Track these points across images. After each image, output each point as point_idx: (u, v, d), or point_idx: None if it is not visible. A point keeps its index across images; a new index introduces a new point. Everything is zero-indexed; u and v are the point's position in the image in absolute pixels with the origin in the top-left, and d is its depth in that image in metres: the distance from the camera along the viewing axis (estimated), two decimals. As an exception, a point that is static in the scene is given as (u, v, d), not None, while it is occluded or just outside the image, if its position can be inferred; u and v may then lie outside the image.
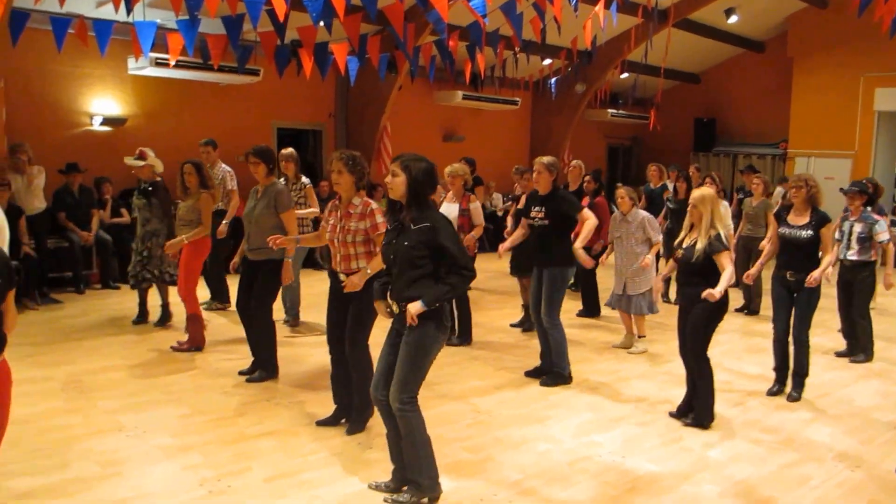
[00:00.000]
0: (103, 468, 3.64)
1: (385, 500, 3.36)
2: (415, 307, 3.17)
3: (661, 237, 6.17)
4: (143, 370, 5.27)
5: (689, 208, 4.45)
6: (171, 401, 4.65)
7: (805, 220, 4.92)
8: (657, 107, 11.57)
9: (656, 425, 4.48)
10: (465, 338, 6.18)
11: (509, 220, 7.34)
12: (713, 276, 4.25)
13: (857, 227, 5.92)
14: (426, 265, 3.22)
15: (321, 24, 5.39)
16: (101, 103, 8.98)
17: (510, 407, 4.73)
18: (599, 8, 6.27)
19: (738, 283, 6.42)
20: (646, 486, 3.65)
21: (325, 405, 4.52)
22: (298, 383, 5.07)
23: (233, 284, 7.36)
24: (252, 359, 5.19)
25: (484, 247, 9.73)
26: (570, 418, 4.56)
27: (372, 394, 3.42)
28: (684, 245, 4.44)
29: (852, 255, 5.94)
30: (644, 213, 6.15)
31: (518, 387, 5.14)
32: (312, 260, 9.50)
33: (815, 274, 4.82)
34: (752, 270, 5.45)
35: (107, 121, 8.95)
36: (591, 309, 7.50)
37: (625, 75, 12.12)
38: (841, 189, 6.26)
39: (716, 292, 4.15)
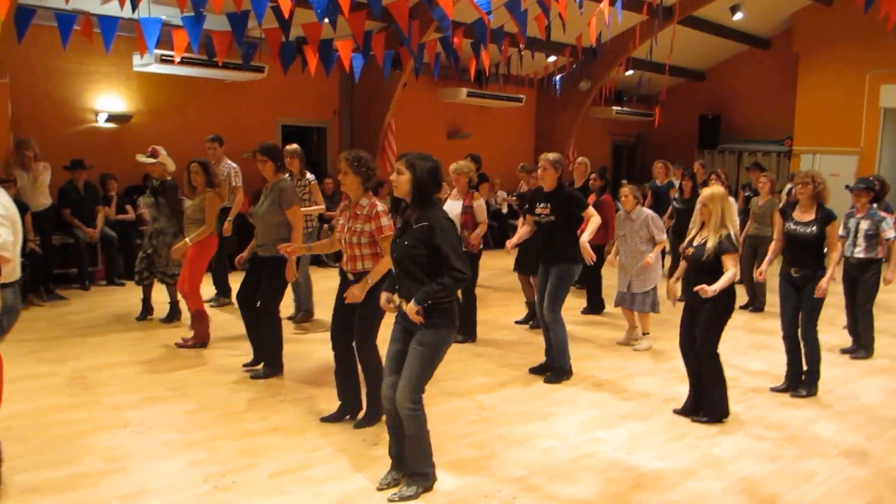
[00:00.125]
0: (108, 464, 3.66)
1: (392, 497, 3.36)
2: (411, 308, 3.21)
3: (665, 236, 6.16)
4: (148, 366, 5.28)
5: (699, 206, 4.44)
6: (176, 397, 4.66)
7: (810, 216, 4.92)
8: (662, 104, 11.54)
9: (661, 422, 4.48)
10: (469, 335, 6.18)
11: (520, 222, 7.28)
12: (721, 275, 4.25)
13: (864, 225, 5.90)
14: (427, 264, 3.24)
15: (326, 20, 5.39)
16: (107, 100, 9.00)
17: (514, 404, 4.73)
18: (604, 5, 6.25)
19: (741, 280, 6.42)
20: (650, 483, 3.64)
21: (331, 401, 4.53)
22: (304, 380, 5.08)
23: (236, 281, 7.41)
24: (254, 351, 5.21)
25: (488, 244, 9.74)
26: (575, 415, 4.56)
27: (385, 393, 3.43)
28: (695, 243, 4.42)
29: (859, 253, 5.92)
30: (648, 212, 6.13)
31: (522, 384, 5.14)
32: (318, 258, 9.52)
33: (822, 284, 4.85)
34: (762, 267, 5.44)
35: (112, 117, 8.98)
36: (595, 306, 7.50)
37: (630, 72, 12.09)
38: (847, 186, 6.24)
39: (709, 289, 4.14)
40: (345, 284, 4.15)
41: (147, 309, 6.64)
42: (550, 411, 4.61)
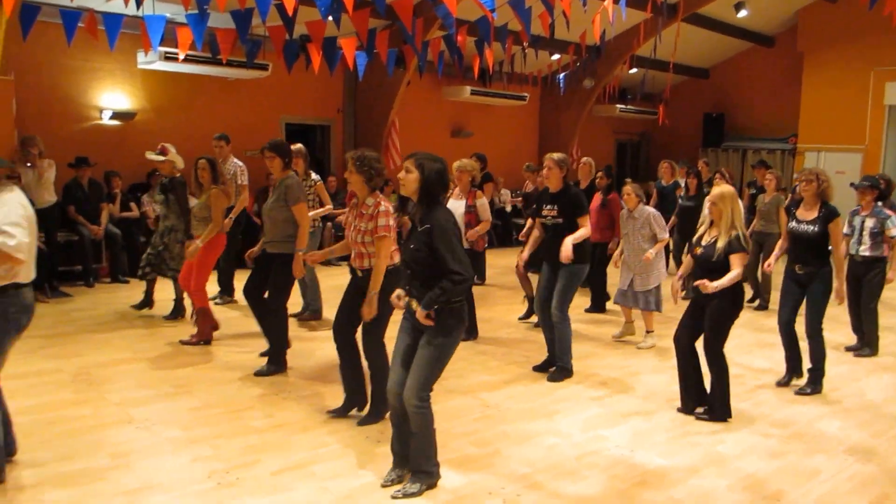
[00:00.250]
0: (113, 459, 3.67)
1: (395, 494, 3.37)
2: (420, 313, 3.23)
3: (667, 234, 6.16)
4: (152, 363, 5.30)
5: (708, 206, 4.44)
6: (180, 393, 4.67)
7: (814, 214, 4.92)
8: (666, 102, 11.52)
9: (665, 420, 4.47)
10: (471, 333, 6.18)
11: (528, 224, 7.24)
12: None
13: (869, 223, 5.89)
14: (432, 266, 3.25)
15: (329, 18, 5.39)
16: (111, 97, 9.02)
17: (518, 401, 4.73)
18: (608, 2, 6.24)
19: (745, 278, 6.42)
20: (655, 480, 3.64)
21: (335, 398, 4.55)
22: (308, 377, 5.08)
23: (241, 280, 7.42)
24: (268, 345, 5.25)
25: (492, 243, 9.73)
26: (578, 413, 4.56)
27: (391, 388, 3.44)
28: (703, 242, 4.41)
29: (864, 251, 5.91)
30: (650, 210, 6.13)
31: (526, 382, 5.14)
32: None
33: (840, 291, 5.08)
34: (770, 259, 5.45)
35: (116, 115, 8.99)
36: (599, 305, 7.49)
37: (633, 70, 12.06)
38: (852, 184, 6.22)
39: (710, 284, 4.15)
40: (354, 281, 4.19)
41: (147, 302, 6.67)
42: (554, 409, 4.61)
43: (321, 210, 6.50)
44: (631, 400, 4.82)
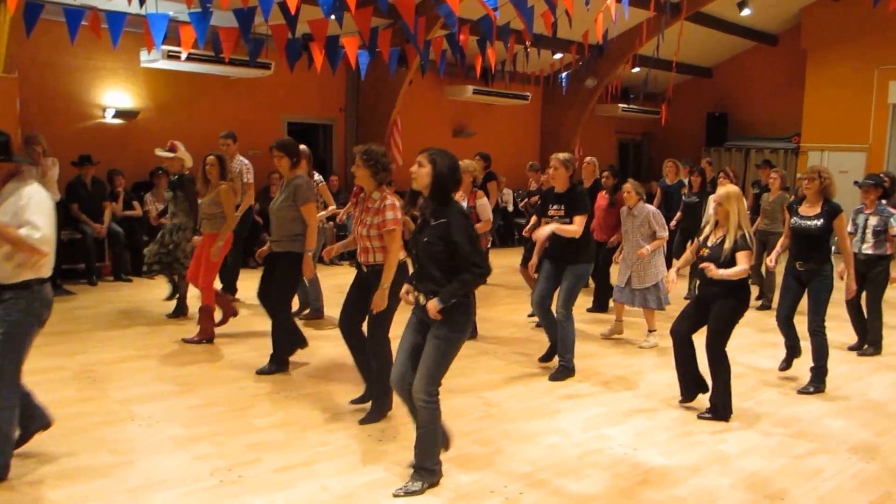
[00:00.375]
0: (115, 456, 3.67)
1: (397, 492, 3.37)
2: (433, 306, 3.23)
3: (666, 233, 6.16)
4: (155, 361, 5.30)
5: (714, 206, 4.44)
6: (183, 392, 4.68)
7: (816, 210, 4.93)
8: (669, 101, 11.50)
9: (667, 418, 4.46)
10: (471, 332, 6.16)
11: (532, 221, 7.23)
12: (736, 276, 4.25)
13: (873, 221, 5.89)
14: (445, 261, 3.26)
15: (332, 17, 5.39)
16: (114, 96, 9.04)
17: (520, 401, 4.72)
18: (611, 1, 6.23)
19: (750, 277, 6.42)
20: (657, 479, 3.63)
21: (337, 397, 4.55)
22: (310, 375, 5.09)
23: (245, 278, 7.44)
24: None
25: (494, 242, 9.72)
26: (581, 412, 4.55)
27: (398, 384, 3.44)
28: (710, 243, 4.41)
29: (867, 249, 5.91)
30: (650, 208, 6.13)
31: (528, 380, 5.14)
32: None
33: (851, 287, 5.22)
34: (772, 255, 5.46)
35: (119, 113, 9.01)
36: (602, 304, 7.48)
37: (636, 70, 12.05)
38: (855, 182, 6.22)
39: (717, 270, 4.16)
40: (360, 276, 4.21)
41: (181, 308, 6.62)
42: (556, 408, 4.61)
43: (325, 211, 6.52)
44: (633, 399, 4.82)
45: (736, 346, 5.94)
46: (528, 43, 8.61)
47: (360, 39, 6.06)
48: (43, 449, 3.69)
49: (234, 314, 6.04)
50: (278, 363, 5.10)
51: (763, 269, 7.60)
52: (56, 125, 8.41)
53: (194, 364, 5.26)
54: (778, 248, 5.42)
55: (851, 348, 6.16)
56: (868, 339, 6.09)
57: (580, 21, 7.27)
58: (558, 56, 11.03)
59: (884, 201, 5.99)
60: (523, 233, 5.74)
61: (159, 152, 6.38)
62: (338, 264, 9.63)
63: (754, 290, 7.27)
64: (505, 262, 9.62)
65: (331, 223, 9.30)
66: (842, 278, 5.45)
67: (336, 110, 11.30)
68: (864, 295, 5.99)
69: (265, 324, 6.30)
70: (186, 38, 5.32)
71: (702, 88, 15.20)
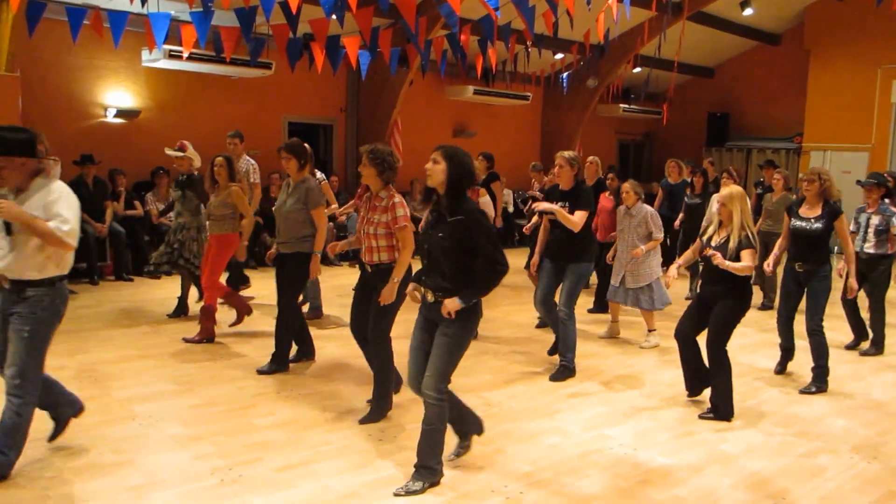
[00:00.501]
0: (116, 455, 3.67)
1: (398, 491, 3.36)
2: (453, 304, 3.23)
3: (662, 235, 6.17)
4: (156, 361, 5.30)
5: (717, 206, 4.44)
6: (183, 391, 4.68)
7: (817, 212, 4.93)
8: (670, 101, 11.48)
9: (668, 418, 4.46)
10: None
11: (533, 220, 7.22)
12: (740, 276, 4.26)
13: (875, 220, 5.89)
14: (461, 258, 3.26)
15: (333, 16, 5.38)
16: (115, 95, 9.04)
17: (521, 401, 4.72)
18: (613, 1, 6.22)
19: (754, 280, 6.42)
20: (658, 479, 3.63)
21: (338, 397, 4.56)
22: (311, 375, 5.09)
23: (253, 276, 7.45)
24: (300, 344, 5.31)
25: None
26: (581, 412, 4.55)
27: (413, 384, 3.46)
28: (713, 243, 4.40)
29: (869, 248, 5.90)
30: (648, 209, 6.12)
31: (528, 381, 5.13)
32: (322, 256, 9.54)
33: (853, 285, 5.22)
34: (770, 260, 5.46)
35: (120, 113, 9.02)
36: (602, 305, 7.47)
37: (637, 70, 12.04)
38: (858, 181, 6.22)
39: (723, 261, 4.17)
40: (364, 276, 4.22)
41: (182, 308, 6.63)
42: (557, 408, 4.60)
43: (327, 210, 6.51)
44: (633, 399, 4.81)
45: (737, 346, 5.94)
46: (529, 43, 8.60)
47: (361, 39, 6.05)
48: (44, 448, 3.69)
49: (249, 312, 6.05)
50: (279, 363, 5.10)
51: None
52: (58, 124, 8.41)
53: (195, 363, 5.26)
54: (776, 250, 5.42)
55: (848, 347, 6.16)
56: (871, 339, 6.08)
57: (581, 21, 7.26)
58: (559, 56, 11.02)
59: (886, 200, 5.98)
60: (524, 230, 5.73)
61: (169, 151, 6.42)
62: (338, 265, 9.63)
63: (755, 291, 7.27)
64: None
65: (331, 223, 9.30)
66: (841, 276, 5.44)
67: (337, 110, 11.30)
68: (861, 293, 6.00)
69: (266, 324, 6.33)
70: (188, 37, 5.32)
71: (703, 88, 15.18)
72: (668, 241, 8.89)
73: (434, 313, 3.33)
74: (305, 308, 6.68)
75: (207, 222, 6.06)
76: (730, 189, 4.44)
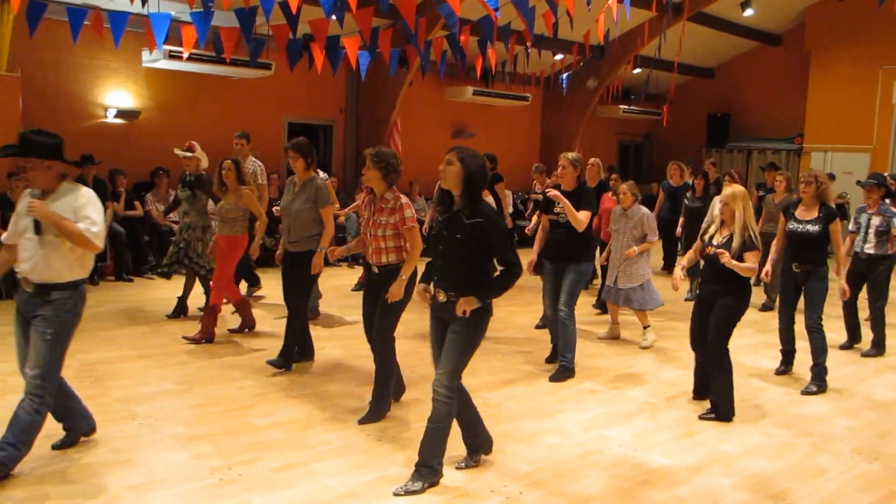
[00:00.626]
0: (116, 455, 3.67)
1: (398, 491, 3.36)
2: (469, 303, 3.25)
3: (656, 238, 6.17)
4: (155, 361, 5.30)
5: (720, 206, 4.44)
6: (183, 391, 4.68)
7: (814, 214, 4.96)
8: (670, 102, 11.49)
9: (668, 419, 4.45)
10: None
11: (533, 220, 7.22)
12: (742, 276, 4.25)
13: (875, 221, 5.88)
14: (476, 259, 3.28)
15: (333, 17, 5.38)
16: (116, 95, 9.05)
17: (520, 401, 4.71)
18: (613, 2, 6.22)
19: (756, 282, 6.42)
20: (658, 480, 3.62)
21: (338, 397, 4.55)
22: (312, 375, 5.08)
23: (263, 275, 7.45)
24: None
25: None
26: (581, 412, 4.54)
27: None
28: (715, 242, 4.40)
29: (869, 249, 5.90)
30: (645, 210, 6.13)
31: (528, 381, 5.13)
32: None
33: (845, 287, 5.33)
34: (767, 267, 5.44)
35: (121, 113, 9.02)
36: (603, 305, 7.46)
37: (637, 70, 12.04)
38: (858, 182, 6.22)
39: (731, 259, 4.16)
40: (370, 277, 4.23)
41: (182, 308, 6.63)
42: (556, 409, 4.59)
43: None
44: (633, 399, 4.81)
45: (738, 347, 5.93)
46: (528, 43, 8.60)
47: (361, 40, 6.06)
48: (44, 447, 3.68)
49: (251, 327, 6.07)
50: (284, 359, 5.09)
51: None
52: (58, 124, 8.37)
53: (195, 363, 5.26)
54: (773, 254, 5.42)
55: (842, 347, 6.15)
56: (872, 340, 6.07)
57: (581, 21, 7.26)
58: (559, 57, 11.01)
59: (887, 201, 5.98)
60: (526, 231, 5.74)
61: (178, 152, 6.45)
62: (338, 265, 9.62)
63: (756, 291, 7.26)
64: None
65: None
66: (838, 275, 5.44)
67: (336, 111, 11.30)
68: (862, 294, 6.01)
69: (266, 324, 6.33)
70: (188, 37, 5.33)
71: (704, 89, 15.17)
72: (674, 242, 8.88)
73: (446, 313, 3.36)
74: None
75: (215, 223, 6.07)
76: (732, 188, 4.44)
